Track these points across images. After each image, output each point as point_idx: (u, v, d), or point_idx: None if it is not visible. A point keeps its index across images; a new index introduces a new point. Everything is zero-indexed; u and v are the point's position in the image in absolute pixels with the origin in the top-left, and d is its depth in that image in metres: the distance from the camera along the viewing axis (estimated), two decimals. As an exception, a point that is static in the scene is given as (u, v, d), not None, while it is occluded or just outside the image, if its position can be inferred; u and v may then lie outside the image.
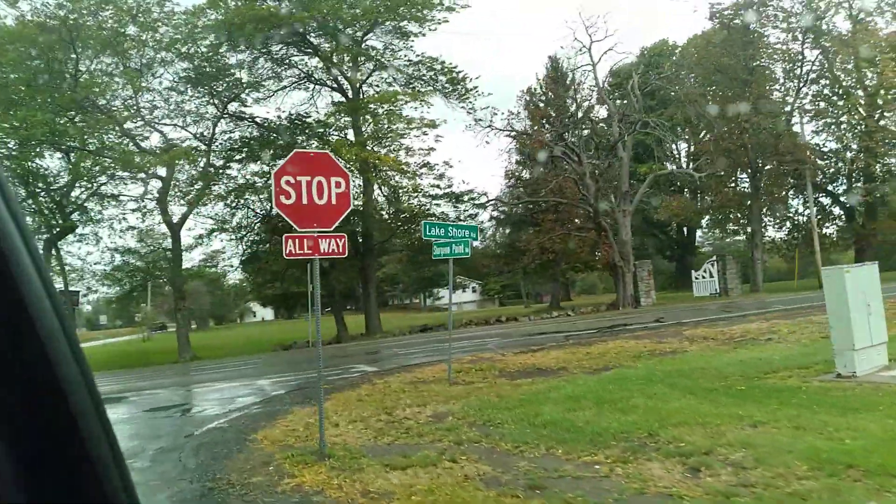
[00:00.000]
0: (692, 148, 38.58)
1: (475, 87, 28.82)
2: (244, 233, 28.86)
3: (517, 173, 39.24)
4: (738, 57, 33.02)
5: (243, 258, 32.68)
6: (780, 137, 31.41)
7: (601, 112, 33.41)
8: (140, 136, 24.88)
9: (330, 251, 6.91)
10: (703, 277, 36.18)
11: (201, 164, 25.35)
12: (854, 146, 32.74)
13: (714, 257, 36.51)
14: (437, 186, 29.52)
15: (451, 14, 27.02)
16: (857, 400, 7.20)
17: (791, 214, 36.57)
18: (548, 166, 32.68)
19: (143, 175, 24.26)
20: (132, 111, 23.98)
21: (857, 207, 33.68)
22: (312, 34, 25.54)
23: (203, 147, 25.60)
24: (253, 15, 21.80)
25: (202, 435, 9.38)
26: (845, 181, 35.00)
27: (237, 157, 26.90)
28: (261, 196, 26.41)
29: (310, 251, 6.78)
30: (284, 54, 26.72)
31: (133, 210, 27.01)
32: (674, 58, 39.31)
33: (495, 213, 39.66)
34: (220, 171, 26.42)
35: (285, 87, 27.95)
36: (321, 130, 27.37)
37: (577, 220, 33.54)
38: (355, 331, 31.13)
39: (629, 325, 21.14)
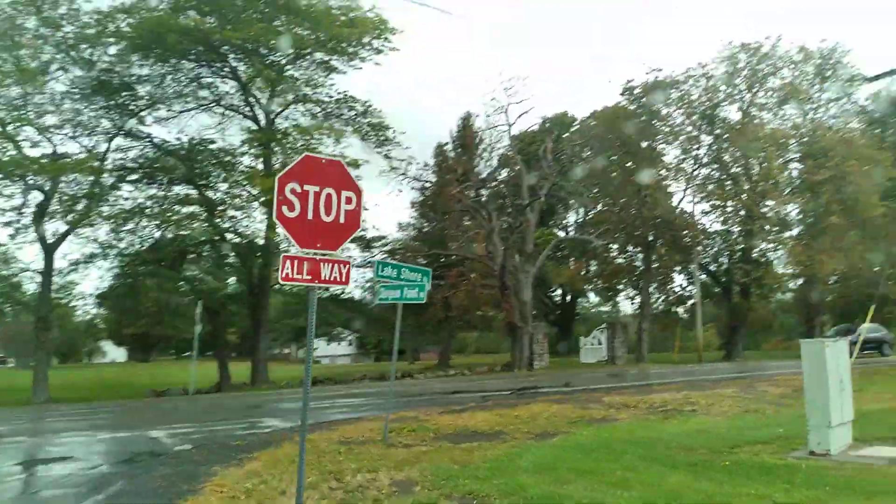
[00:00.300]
0: (591, 216, 39.99)
1: (395, 138, 28.51)
2: (126, 261, 26.01)
3: (420, 226, 38.86)
4: (641, 133, 35.08)
5: (105, 291, 29.63)
6: (676, 214, 33.36)
7: (514, 171, 33.79)
8: (27, 140, 22.03)
9: (332, 278, 5.82)
10: (592, 344, 37.13)
11: (89, 180, 22.68)
12: (736, 229, 35.32)
13: (604, 325, 37.63)
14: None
15: (380, 57, 26.72)
16: (862, 482, 6.94)
17: (677, 290, 38.54)
18: (456, 221, 32.58)
19: (22, 184, 21.29)
20: (19, 112, 21.09)
21: (734, 286, 36.12)
22: (233, 55, 24.12)
23: (96, 163, 22.98)
24: (177, 25, 20.13)
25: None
26: (727, 261, 37.52)
27: (130, 178, 24.46)
28: (153, 222, 24.06)
29: (309, 277, 5.66)
30: (197, 74, 24.99)
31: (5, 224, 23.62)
32: (575, 127, 40.94)
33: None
34: (109, 190, 23.80)
35: (192, 108, 26.08)
36: (228, 158, 25.65)
37: (481, 277, 33.39)
38: (237, 380, 28.75)
39: (540, 388, 20.72)
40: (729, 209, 34.39)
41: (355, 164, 25.71)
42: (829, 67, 38.53)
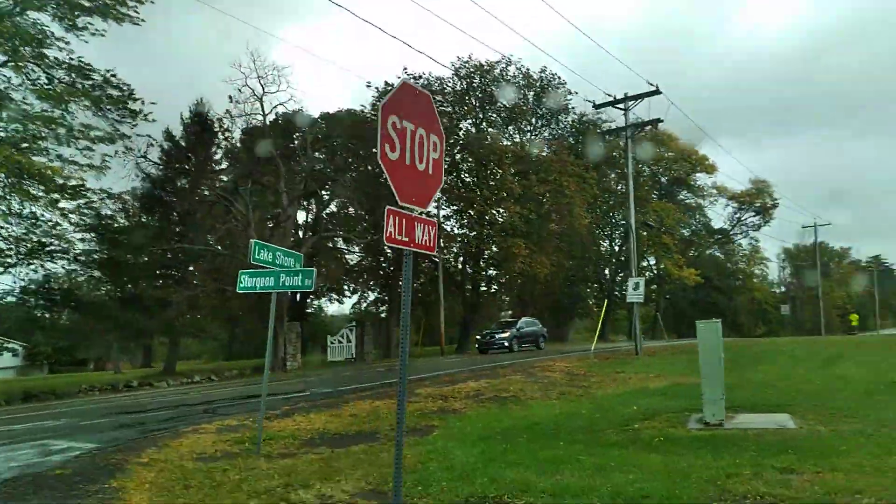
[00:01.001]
0: (341, 214, 39.51)
1: (142, 110, 24.56)
2: None
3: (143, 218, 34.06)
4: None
5: None
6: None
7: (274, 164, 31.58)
8: None
9: (422, 243, 4.63)
10: (340, 342, 36.69)
11: None
12: (472, 232, 38.17)
13: (353, 323, 37.44)
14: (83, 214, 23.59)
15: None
16: (801, 443, 7.80)
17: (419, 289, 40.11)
18: (202, 213, 29.32)
19: None
20: None
21: (467, 285, 39.04)
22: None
23: None
24: None
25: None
26: (462, 261, 40.28)
27: None
28: None
29: (406, 239, 4.43)
30: None
31: None
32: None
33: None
34: None
35: None
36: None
37: (232, 275, 30.44)
38: None
39: (344, 389, 19.62)
40: (468, 214, 37.05)
41: (110, 139, 21.69)
42: (546, 94, 44.00)
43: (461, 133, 39.63)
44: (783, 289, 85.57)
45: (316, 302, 51.73)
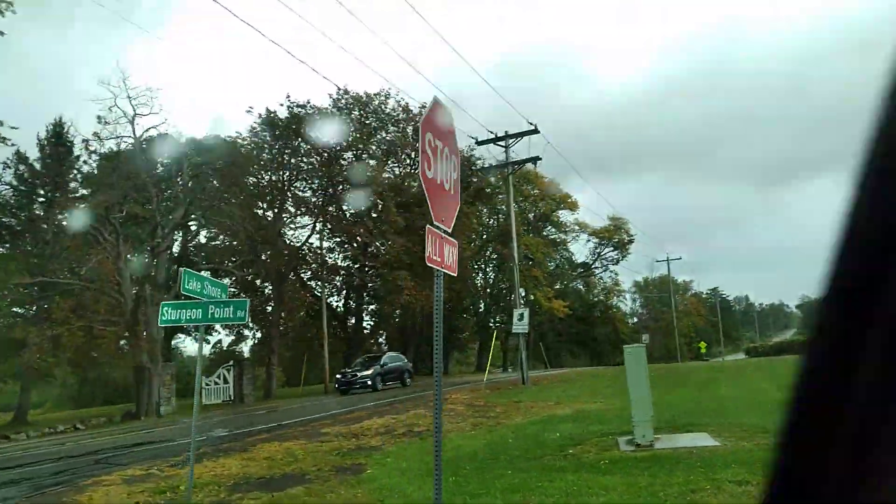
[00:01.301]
0: (214, 244, 37.60)
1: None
2: None
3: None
4: (265, 167, 34.97)
5: None
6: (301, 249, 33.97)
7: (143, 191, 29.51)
8: None
9: (449, 264, 4.55)
10: (217, 383, 34.51)
11: None
12: (355, 265, 37.85)
13: (231, 362, 35.41)
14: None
15: None
16: (738, 458, 8.40)
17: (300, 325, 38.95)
18: (68, 239, 26.75)
19: None
20: None
21: (349, 318, 38.44)
22: None
23: None
24: None
25: None
26: (346, 294, 39.65)
27: None
28: None
29: (439, 259, 4.35)
30: None
31: None
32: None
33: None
34: None
35: None
36: None
37: (105, 311, 27.88)
38: None
39: (239, 432, 18.36)
40: (351, 246, 36.77)
41: None
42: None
43: (343, 164, 39.39)
44: (636, 319, 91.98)
45: (184, 342, 48.76)
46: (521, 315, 28.77)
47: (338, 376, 31.53)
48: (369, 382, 29.90)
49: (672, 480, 7.30)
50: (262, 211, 36.94)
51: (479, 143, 31.33)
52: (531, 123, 29.46)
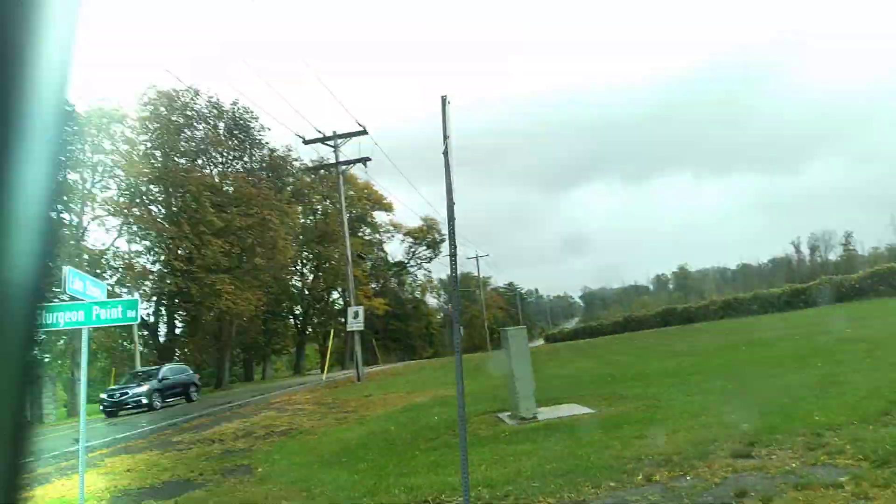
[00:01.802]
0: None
1: None
2: None
3: None
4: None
5: None
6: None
7: None
8: None
9: None
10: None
11: None
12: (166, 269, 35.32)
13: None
14: None
15: None
16: (623, 420, 9.56)
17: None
18: None
19: None
20: None
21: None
22: None
23: None
24: None
25: None
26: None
27: None
28: None
29: None
30: None
31: None
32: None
33: None
34: None
35: None
36: None
37: None
38: None
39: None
40: (164, 249, 34.33)
41: None
42: (238, 127, 43.31)
43: (153, 163, 36.58)
44: (442, 315, 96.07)
45: None
46: (356, 313, 29.02)
47: (102, 396, 26.02)
48: (144, 401, 25.27)
49: (579, 442, 8.24)
50: (56, 214, 33.06)
51: (307, 143, 30.68)
52: (360, 125, 29.68)
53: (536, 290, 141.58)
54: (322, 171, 49.46)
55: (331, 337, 29.48)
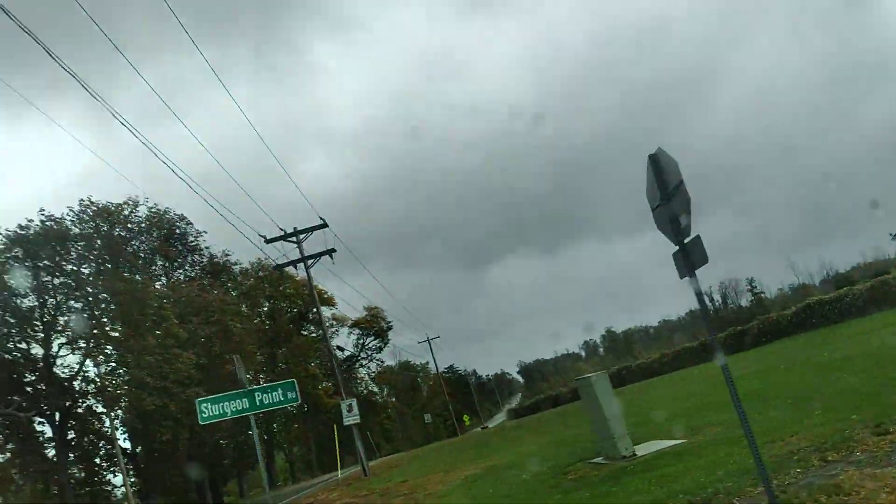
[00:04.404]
0: None
1: None
2: None
3: None
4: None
5: None
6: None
7: None
8: None
9: None
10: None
11: None
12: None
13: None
14: None
15: None
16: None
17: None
18: None
19: None
20: None
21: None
22: None
23: None
24: None
25: None
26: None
27: None
28: None
29: None
30: None
31: None
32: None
33: None
34: None
35: None
36: None
37: None
38: None
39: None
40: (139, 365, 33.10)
41: None
42: (174, 236, 43.42)
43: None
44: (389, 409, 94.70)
45: None
46: (350, 405, 29.00)
47: None
48: None
49: (690, 469, 9.33)
50: (16, 343, 31.90)
51: (269, 241, 30.47)
52: (321, 218, 30.29)
53: (475, 370, 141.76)
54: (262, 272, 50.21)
55: (336, 431, 29.09)
